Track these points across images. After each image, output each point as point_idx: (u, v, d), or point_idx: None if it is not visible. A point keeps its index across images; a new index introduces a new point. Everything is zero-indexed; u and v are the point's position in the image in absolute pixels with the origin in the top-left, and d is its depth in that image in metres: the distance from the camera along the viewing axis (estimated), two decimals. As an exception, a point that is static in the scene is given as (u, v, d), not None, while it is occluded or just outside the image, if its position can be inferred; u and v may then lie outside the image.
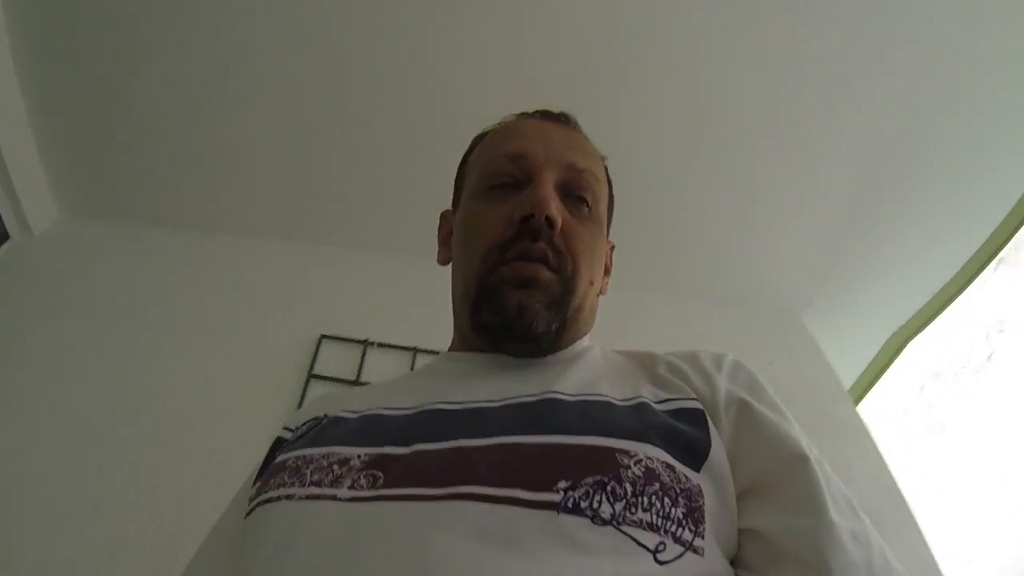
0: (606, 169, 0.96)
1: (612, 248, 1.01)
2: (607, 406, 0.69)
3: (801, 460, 0.63)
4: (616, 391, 0.73)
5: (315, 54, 2.32)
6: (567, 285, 0.79)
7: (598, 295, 0.91)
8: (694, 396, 0.71)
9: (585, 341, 0.89)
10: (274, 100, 2.46)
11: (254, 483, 0.78)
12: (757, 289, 3.02)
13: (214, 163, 2.71)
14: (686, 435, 0.64)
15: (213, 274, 2.80)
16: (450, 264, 0.93)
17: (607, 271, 0.97)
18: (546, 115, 0.94)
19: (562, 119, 0.94)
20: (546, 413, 0.67)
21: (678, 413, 0.68)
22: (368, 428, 0.74)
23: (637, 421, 0.65)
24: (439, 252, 1.00)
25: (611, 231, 0.98)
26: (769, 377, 0.78)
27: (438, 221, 1.03)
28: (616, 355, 0.87)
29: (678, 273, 2.96)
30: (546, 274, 0.77)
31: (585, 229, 0.83)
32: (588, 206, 0.85)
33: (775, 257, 2.90)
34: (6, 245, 2.75)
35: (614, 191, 0.98)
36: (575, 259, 0.80)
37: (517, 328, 0.75)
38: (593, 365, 0.81)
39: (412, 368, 2.45)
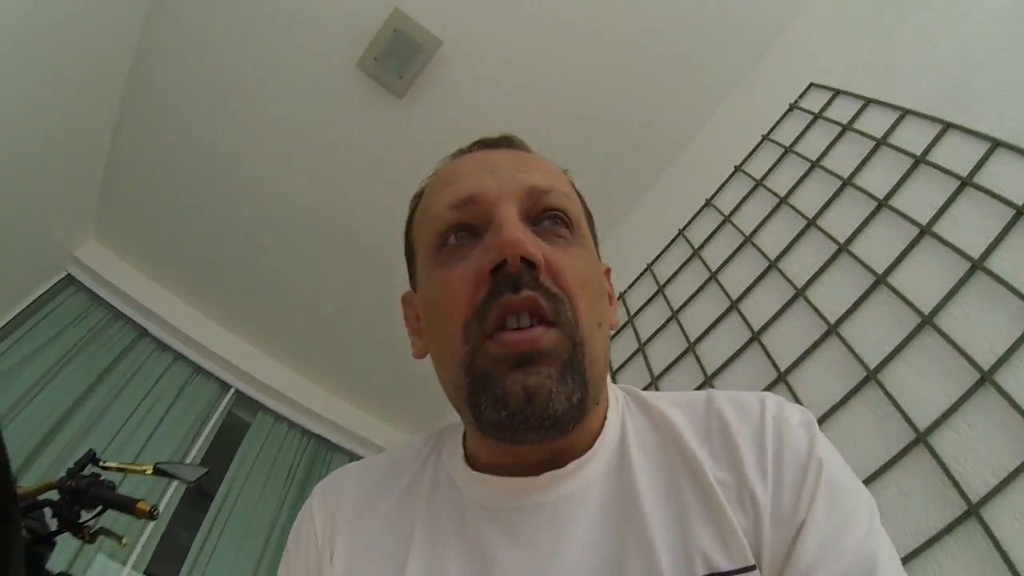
0: (572, 184, 0.82)
1: (608, 271, 0.82)
2: None
3: None
4: (670, 554, 0.61)
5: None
6: (574, 337, 0.63)
7: (609, 334, 0.73)
8: (752, 565, 0.59)
9: (612, 416, 0.74)
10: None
11: None
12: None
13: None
14: None
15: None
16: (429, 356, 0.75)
17: (610, 299, 0.79)
18: (485, 144, 0.80)
19: (504, 143, 0.80)
20: None
21: None
22: None
23: None
24: (412, 344, 0.79)
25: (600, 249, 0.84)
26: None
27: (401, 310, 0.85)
28: (647, 434, 0.73)
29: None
30: (547, 334, 0.62)
31: (573, 257, 0.68)
32: (568, 228, 0.70)
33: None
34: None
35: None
36: (573, 299, 0.64)
37: (531, 418, 0.60)
38: (640, 482, 0.67)
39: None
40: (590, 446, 0.70)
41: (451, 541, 0.69)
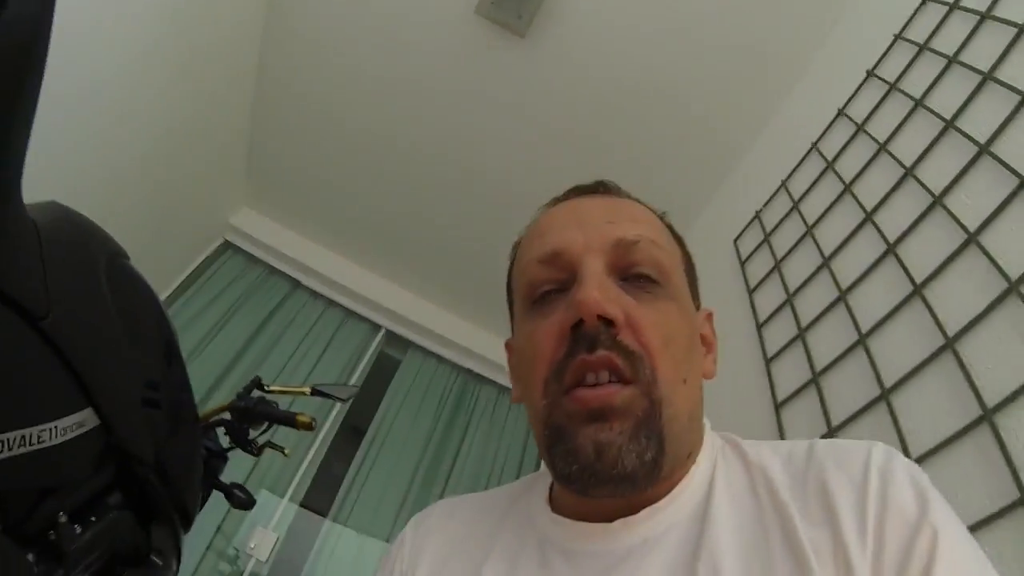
0: (670, 227, 0.81)
1: (710, 315, 0.82)
2: None
3: None
4: None
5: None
6: (651, 395, 0.63)
7: (700, 387, 0.72)
8: None
9: (702, 464, 0.70)
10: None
11: None
12: None
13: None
14: None
15: None
16: None
17: (709, 346, 0.78)
18: (577, 191, 0.80)
19: (599, 188, 0.80)
20: None
21: None
22: None
23: None
24: (512, 388, 0.81)
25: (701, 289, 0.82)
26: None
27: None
28: (739, 483, 0.68)
29: None
30: (620, 393, 0.62)
31: (658, 312, 0.67)
32: (655, 281, 0.69)
33: None
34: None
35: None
36: (652, 356, 0.64)
37: (601, 473, 0.61)
38: (723, 533, 0.63)
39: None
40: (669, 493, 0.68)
41: (524, 571, 0.70)
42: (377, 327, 3.81)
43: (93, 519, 1.01)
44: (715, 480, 0.68)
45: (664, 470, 0.63)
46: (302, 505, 3.09)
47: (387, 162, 3.33)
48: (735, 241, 2.29)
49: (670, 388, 0.64)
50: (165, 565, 1.18)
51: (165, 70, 2.54)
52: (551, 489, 0.78)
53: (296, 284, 3.75)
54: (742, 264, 2.15)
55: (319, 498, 3.16)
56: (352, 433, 3.48)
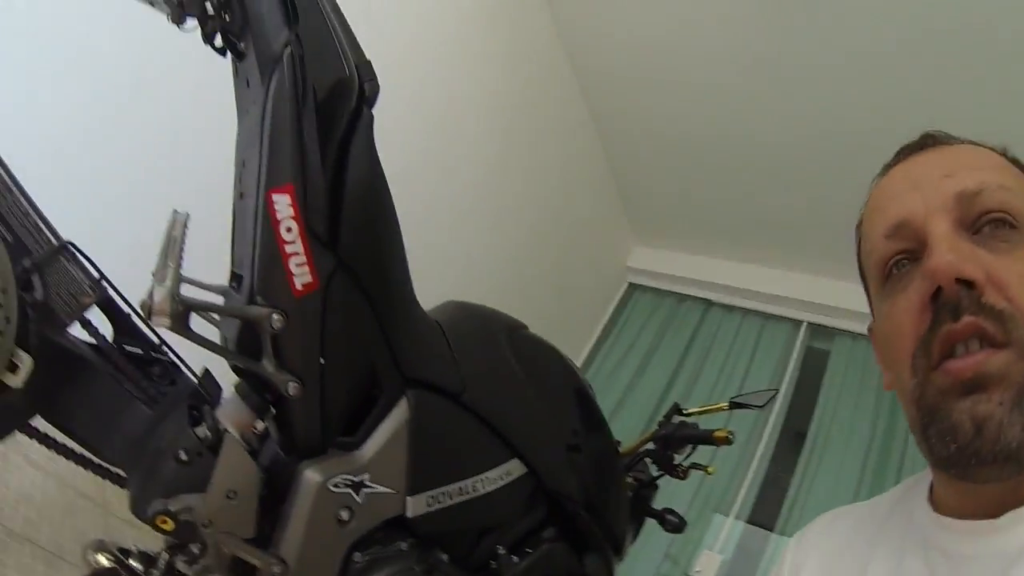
0: (1016, 162, 0.72)
1: None
2: None
3: None
4: None
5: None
6: None
7: None
8: None
9: None
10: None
11: None
12: None
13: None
14: None
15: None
16: None
17: None
18: (906, 151, 0.74)
19: (927, 143, 0.73)
20: None
21: None
22: None
23: None
24: (884, 376, 0.75)
25: None
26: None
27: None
28: None
29: None
30: (995, 358, 0.56)
31: (1022, 261, 0.60)
32: (1012, 226, 0.62)
33: None
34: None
35: None
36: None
37: (982, 451, 0.55)
38: None
39: None
40: None
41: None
42: (798, 323, 3.74)
43: (529, 551, 1.21)
44: None
45: None
46: (749, 521, 3.11)
47: (739, 153, 3.32)
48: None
49: None
50: (600, 592, 1.35)
51: (518, 151, 2.94)
52: (931, 488, 0.72)
53: (708, 304, 3.87)
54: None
55: (765, 512, 3.14)
56: (795, 439, 3.41)
